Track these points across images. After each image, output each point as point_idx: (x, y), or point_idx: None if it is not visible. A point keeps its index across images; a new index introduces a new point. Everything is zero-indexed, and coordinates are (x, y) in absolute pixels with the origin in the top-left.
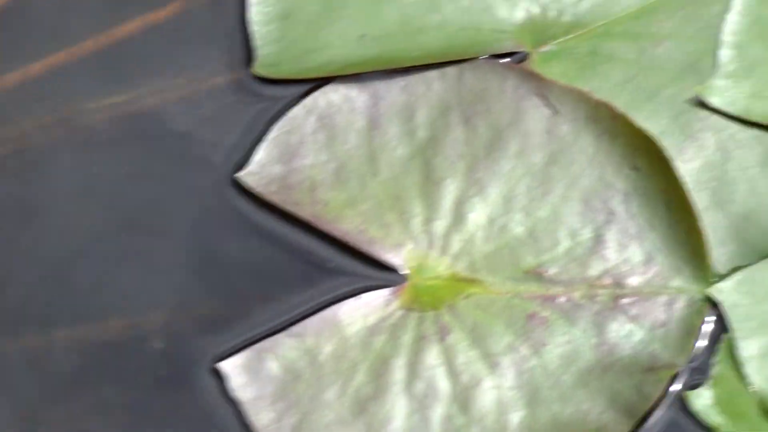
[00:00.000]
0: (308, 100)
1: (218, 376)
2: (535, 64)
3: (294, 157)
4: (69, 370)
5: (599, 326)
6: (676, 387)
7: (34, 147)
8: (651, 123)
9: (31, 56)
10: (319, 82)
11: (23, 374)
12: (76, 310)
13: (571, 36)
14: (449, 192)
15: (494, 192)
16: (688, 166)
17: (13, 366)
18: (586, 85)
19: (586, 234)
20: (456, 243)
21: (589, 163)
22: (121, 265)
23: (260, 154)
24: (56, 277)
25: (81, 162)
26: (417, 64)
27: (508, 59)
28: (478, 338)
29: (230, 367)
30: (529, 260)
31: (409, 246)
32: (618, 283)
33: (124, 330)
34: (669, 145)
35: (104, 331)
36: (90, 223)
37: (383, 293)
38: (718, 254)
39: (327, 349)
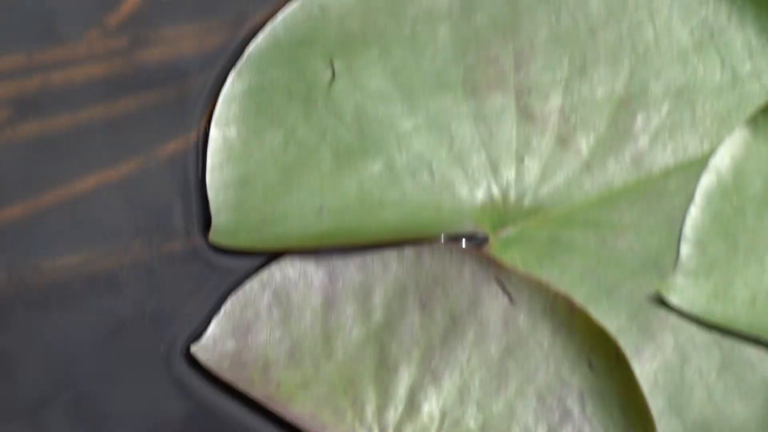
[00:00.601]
0: (264, 274)
1: None
2: (494, 249)
3: (248, 332)
4: None
5: None
6: None
7: None
8: (609, 319)
9: None
10: (275, 254)
11: None
12: None
13: (531, 221)
14: (403, 379)
15: (449, 383)
16: (645, 367)
17: None
18: (545, 275)
19: None
20: None
21: (545, 357)
22: (69, 429)
23: (214, 328)
24: None
25: (32, 322)
26: (375, 240)
27: (467, 241)
28: None
29: None
30: None
31: None
32: None
33: None
34: (627, 343)
35: None
36: (37, 385)
37: None
38: None
39: None
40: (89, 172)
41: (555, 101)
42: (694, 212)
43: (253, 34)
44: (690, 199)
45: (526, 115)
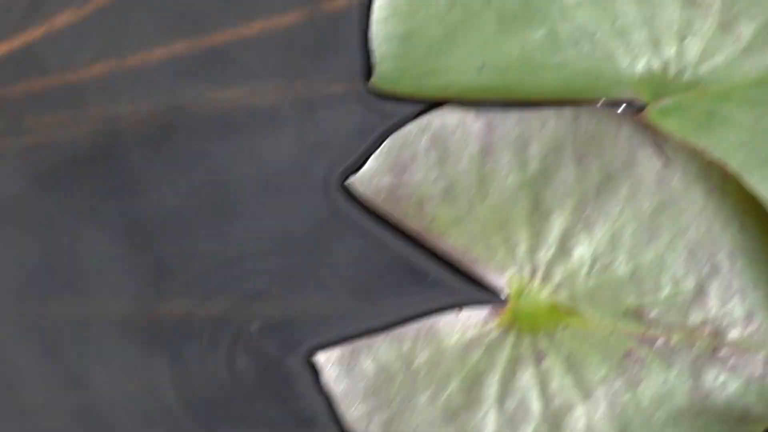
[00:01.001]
0: (424, 119)
1: (313, 368)
2: (651, 116)
3: (404, 171)
4: (168, 338)
5: (695, 372)
6: None
7: (147, 130)
8: (762, 187)
9: (153, 41)
10: (434, 104)
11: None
12: (187, 284)
13: (690, 94)
14: (556, 225)
15: (601, 231)
16: None
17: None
18: (700, 143)
19: (689, 283)
20: (558, 274)
21: (697, 216)
22: (229, 250)
23: (371, 164)
24: (169, 255)
25: (193, 147)
26: (534, 99)
27: (624, 108)
28: (573, 366)
29: (325, 359)
30: (630, 300)
31: (512, 270)
32: (717, 334)
33: (228, 309)
34: None
35: (209, 308)
36: (194, 207)
37: (483, 311)
38: None
39: (422, 356)
40: (256, 18)
41: None
42: None
43: None
44: None
45: (689, 1)
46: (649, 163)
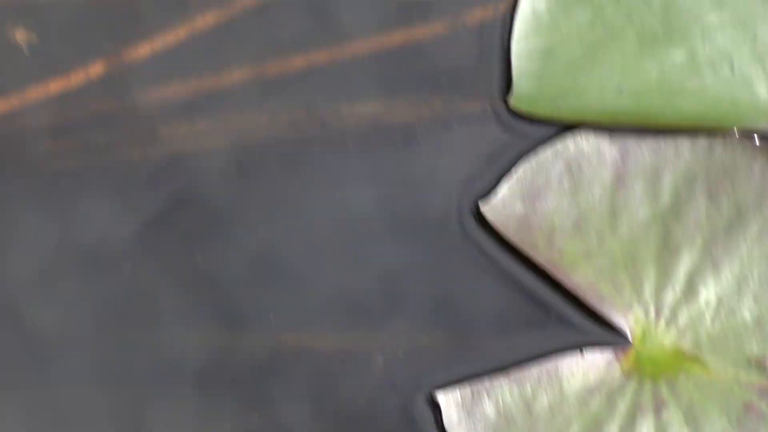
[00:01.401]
0: (559, 145)
1: (432, 405)
2: None
3: (537, 198)
4: (291, 374)
5: None
6: None
7: (284, 140)
8: None
9: (292, 50)
10: (568, 126)
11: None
12: (307, 316)
13: None
14: (684, 263)
15: (728, 272)
16: None
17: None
18: None
19: None
20: (684, 317)
21: None
22: (353, 277)
23: (505, 190)
24: (293, 280)
25: (329, 163)
26: (669, 126)
27: (759, 139)
28: (692, 419)
29: (446, 401)
30: (753, 348)
31: (638, 310)
32: None
33: (351, 342)
34: None
35: (331, 341)
36: (323, 229)
37: (606, 354)
38: None
39: (543, 400)
40: (395, 30)
41: None
42: None
43: None
44: None
45: None
46: None
